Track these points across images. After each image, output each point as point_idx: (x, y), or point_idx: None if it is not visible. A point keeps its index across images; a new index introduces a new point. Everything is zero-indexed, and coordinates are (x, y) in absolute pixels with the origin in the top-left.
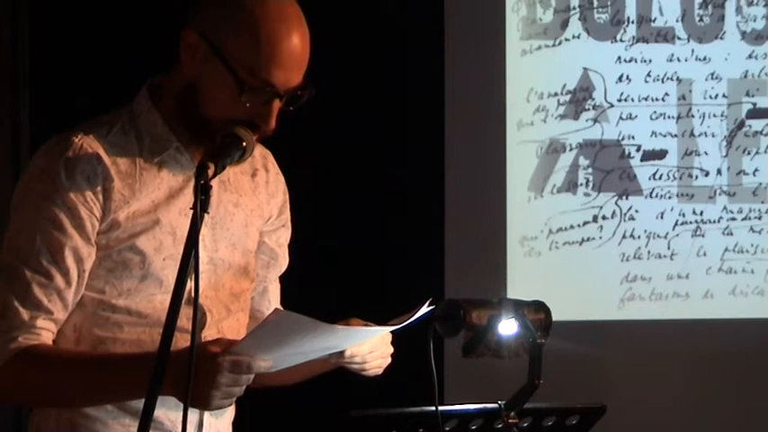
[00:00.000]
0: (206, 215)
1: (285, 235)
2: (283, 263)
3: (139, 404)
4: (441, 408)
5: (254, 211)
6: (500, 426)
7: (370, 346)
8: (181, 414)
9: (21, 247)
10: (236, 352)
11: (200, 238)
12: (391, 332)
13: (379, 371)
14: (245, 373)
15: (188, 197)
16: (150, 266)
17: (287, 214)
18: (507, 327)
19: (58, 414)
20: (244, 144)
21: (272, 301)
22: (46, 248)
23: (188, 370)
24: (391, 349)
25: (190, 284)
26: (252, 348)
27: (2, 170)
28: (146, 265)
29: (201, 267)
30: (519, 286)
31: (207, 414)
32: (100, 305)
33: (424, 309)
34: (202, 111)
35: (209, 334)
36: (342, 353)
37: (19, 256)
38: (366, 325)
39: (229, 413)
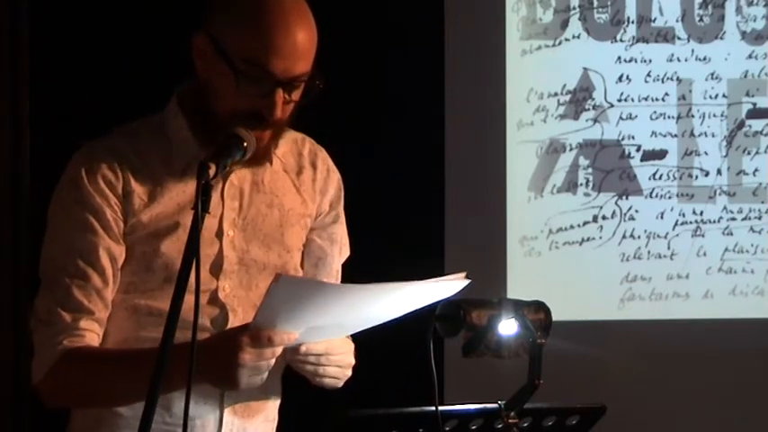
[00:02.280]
0: (235, 217)
1: (339, 231)
2: (340, 253)
3: (165, 400)
4: (441, 408)
5: (293, 210)
6: (500, 426)
7: (326, 347)
8: (203, 409)
9: (56, 253)
10: (255, 327)
11: (230, 240)
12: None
13: (336, 383)
14: (266, 346)
15: (213, 200)
16: (173, 268)
17: (339, 210)
18: (507, 327)
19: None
20: (245, 144)
21: None
22: (80, 251)
23: (195, 362)
24: (352, 361)
25: (216, 283)
26: (268, 320)
27: (2, 170)
28: (169, 267)
29: (230, 268)
30: (519, 286)
31: (230, 413)
32: (122, 304)
33: (461, 281)
34: (212, 108)
35: None
36: (297, 348)
37: (56, 263)
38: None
39: (261, 413)
